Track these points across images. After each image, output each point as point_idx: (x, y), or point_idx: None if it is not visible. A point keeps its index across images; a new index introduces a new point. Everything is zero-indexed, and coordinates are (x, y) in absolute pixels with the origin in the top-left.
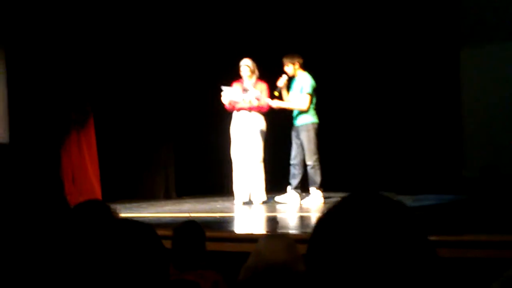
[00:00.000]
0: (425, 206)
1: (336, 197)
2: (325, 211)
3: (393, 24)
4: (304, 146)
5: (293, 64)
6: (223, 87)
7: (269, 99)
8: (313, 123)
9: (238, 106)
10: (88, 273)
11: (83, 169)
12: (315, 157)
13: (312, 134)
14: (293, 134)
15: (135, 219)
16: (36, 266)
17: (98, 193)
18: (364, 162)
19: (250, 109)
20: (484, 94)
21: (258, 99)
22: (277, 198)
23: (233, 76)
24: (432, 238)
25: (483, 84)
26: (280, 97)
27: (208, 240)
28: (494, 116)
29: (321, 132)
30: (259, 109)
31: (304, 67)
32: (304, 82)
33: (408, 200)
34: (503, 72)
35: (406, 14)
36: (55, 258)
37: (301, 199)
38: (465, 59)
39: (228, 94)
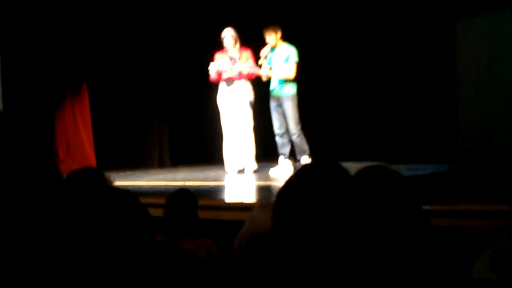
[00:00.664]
0: (419, 176)
1: None
2: (287, 179)
3: None
4: (287, 115)
5: (276, 34)
6: (212, 64)
7: (259, 69)
8: (295, 93)
9: (226, 75)
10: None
11: (77, 136)
12: (299, 126)
13: (295, 103)
14: (274, 103)
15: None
16: (28, 230)
17: (92, 161)
18: (359, 132)
19: (239, 77)
20: (479, 65)
21: (249, 72)
22: (272, 172)
23: (218, 46)
24: (426, 207)
25: (478, 54)
26: (260, 67)
27: (202, 209)
28: (489, 86)
29: (315, 101)
30: (249, 77)
31: (285, 36)
32: (289, 51)
33: (402, 170)
34: (499, 42)
35: None
36: (46, 223)
37: (295, 169)
38: (460, 29)
39: (216, 66)
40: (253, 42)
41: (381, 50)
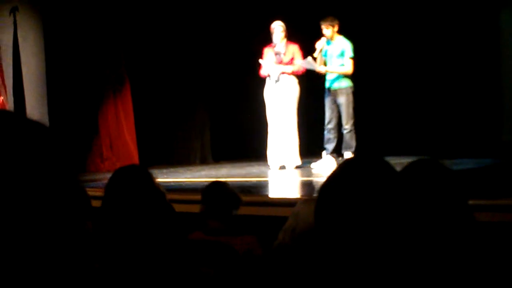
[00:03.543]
0: (463, 170)
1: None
2: (330, 174)
3: None
4: (342, 110)
5: (333, 27)
6: (261, 61)
7: (319, 66)
8: (351, 87)
9: (272, 74)
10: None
11: (121, 134)
12: (352, 121)
13: (351, 97)
14: (329, 98)
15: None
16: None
17: (135, 158)
18: (402, 126)
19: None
20: None
21: (293, 71)
22: (313, 165)
23: (265, 39)
24: (470, 202)
25: None
26: (315, 60)
27: (245, 205)
28: None
29: (357, 96)
30: (295, 73)
31: (340, 30)
32: (345, 45)
33: (446, 164)
34: None
35: None
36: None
37: (337, 164)
38: (505, 20)
39: (267, 67)
40: (301, 36)
41: (427, 45)
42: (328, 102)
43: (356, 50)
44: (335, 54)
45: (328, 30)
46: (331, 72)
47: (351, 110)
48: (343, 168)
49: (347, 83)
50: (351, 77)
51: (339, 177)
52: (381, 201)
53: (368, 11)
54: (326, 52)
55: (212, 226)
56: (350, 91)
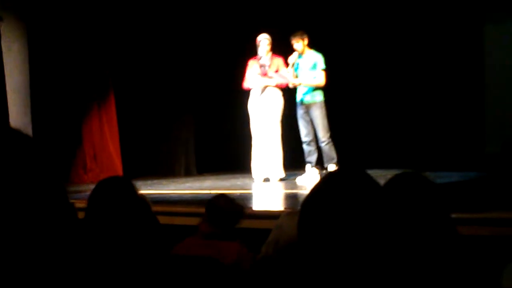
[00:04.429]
0: (446, 183)
1: None
2: (313, 187)
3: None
4: (317, 123)
5: (303, 40)
6: (249, 75)
7: (287, 79)
8: (324, 100)
9: (256, 86)
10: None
11: (105, 146)
12: (328, 133)
13: (324, 111)
14: (301, 111)
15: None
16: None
17: (119, 170)
18: (385, 139)
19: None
20: (507, 70)
21: (277, 84)
22: (299, 180)
23: (250, 50)
24: (453, 215)
25: (506, 60)
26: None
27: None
28: None
29: (341, 109)
30: (279, 86)
31: (313, 44)
32: (317, 58)
33: (429, 177)
34: None
35: None
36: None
37: (321, 176)
38: (488, 35)
39: (251, 80)
40: (284, 50)
41: (409, 56)
42: (301, 115)
43: (338, 62)
44: (307, 67)
45: (298, 44)
46: (304, 85)
47: (326, 122)
48: (325, 182)
49: (320, 96)
50: (324, 89)
51: (322, 190)
52: (363, 214)
53: (350, 20)
54: (297, 66)
55: (206, 230)
56: (323, 104)
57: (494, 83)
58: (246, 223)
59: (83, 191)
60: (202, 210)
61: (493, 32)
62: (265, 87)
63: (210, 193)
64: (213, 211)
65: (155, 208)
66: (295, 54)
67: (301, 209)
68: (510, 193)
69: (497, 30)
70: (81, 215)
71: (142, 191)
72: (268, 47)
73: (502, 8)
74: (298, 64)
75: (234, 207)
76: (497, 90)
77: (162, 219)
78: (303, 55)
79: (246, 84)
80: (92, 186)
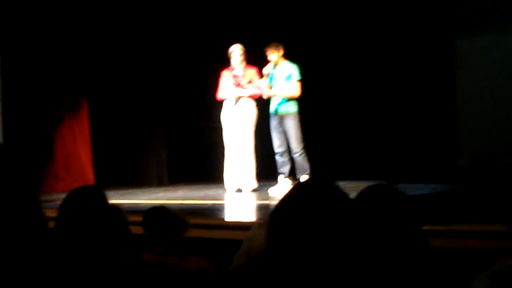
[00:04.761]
0: (418, 195)
1: None
2: (281, 198)
3: (387, 11)
4: (290, 134)
5: (278, 51)
6: (221, 84)
7: (261, 90)
8: (298, 111)
9: (229, 96)
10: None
11: (76, 155)
12: (302, 144)
13: (298, 121)
14: (274, 122)
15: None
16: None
17: (90, 179)
18: (358, 151)
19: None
20: (478, 84)
21: (251, 94)
22: (271, 191)
23: (224, 61)
24: (425, 227)
25: (477, 74)
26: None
27: (201, 228)
28: (489, 106)
29: (315, 120)
30: (252, 97)
31: (287, 55)
32: (291, 69)
33: (402, 190)
34: (499, 61)
35: (400, 1)
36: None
37: None
38: (460, 48)
39: (224, 90)
40: (258, 60)
41: (380, 69)
42: (275, 126)
43: (311, 74)
44: (282, 78)
45: (273, 55)
46: (280, 96)
47: (299, 134)
48: (293, 193)
49: (294, 107)
50: (298, 100)
51: (289, 201)
52: (330, 224)
53: (325, 32)
54: (272, 77)
55: (159, 249)
56: (297, 115)
57: (466, 96)
58: (218, 234)
59: (54, 200)
60: None
61: (464, 45)
62: (239, 97)
63: (182, 203)
64: (151, 224)
65: (128, 218)
66: (270, 65)
67: (270, 219)
68: (480, 206)
69: (468, 43)
70: (51, 224)
71: (114, 201)
72: (241, 58)
73: (473, 22)
74: (273, 74)
75: (174, 220)
76: (469, 103)
77: (134, 229)
78: (278, 66)
79: (219, 95)
80: (63, 196)
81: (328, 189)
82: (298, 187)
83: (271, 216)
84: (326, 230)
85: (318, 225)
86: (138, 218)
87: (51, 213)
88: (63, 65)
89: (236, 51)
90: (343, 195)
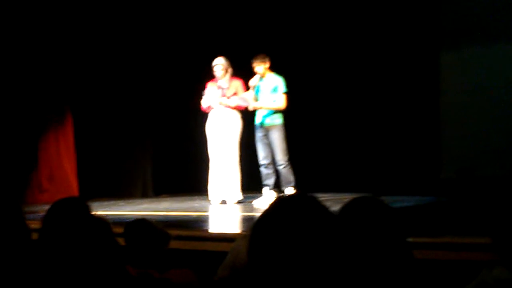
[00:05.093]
0: (402, 208)
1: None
2: (262, 213)
3: (372, 25)
4: (275, 146)
5: (264, 63)
6: (204, 96)
7: (247, 102)
8: (283, 123)
9: (215, 108)
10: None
11: (61, 166)
12: (287, 156)
13: (283, 133)
14: (259, 134)
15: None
16: None
17: (75, 191)
18: (343, 163)
19: (227, 107)
20: (463, 97)
21: (236, 105)
22: (256, 203)
23: (209, 73)
24: (409, 239)
25: (461, 87)
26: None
27: (185, 239)
28: (472, 119)
29: (300, 132)
30: (237, 108)
31: (273, 67)
32: (277, 81)
33: (386, 202)
34: (482, 74)
35: (385, 15)
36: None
37: None
38: (444, 61)
39: (208, 99)
40: (245, 72)
41: (365, 82)
42: (260, 138)
43: (296, 86)
44: (268, 90)
45: (260, 67)
46: (266, 108)
47: (284, 146)
48: (274, 207)
49: (279, 119)
50: (283, 112)
51: (270, 215)
52: (310, 238)
53: (309, 45)
54: (258, 89)
55: (142, 260)
56: (282, 127)
57: (450, 108)
58: (202, 246)
59: (37, 211)
60: None
61: (448, 58)
62: (224, 109)
63: (167, 214)
64: (132, 237)
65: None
66: (256, 77)
67: (251, 234)
68: (464, 218)
69: (452, 56)
70: (35, 236)
71: (98, 212)
72: (222, 72)
73: (457, 34)
74: (259, 86)
75: (154, 231)
76: (453, 115)
77: (118, 241)
78: (264, 78)
79: (204, 106)
80: (47, 207)
81: (309, 203)
82: (279, 201)
83: (252, 231)
84: (307, 243)
85: (299, 239)
86: (120, 230)
87: (34, 225)
88: (48, 77)
89: (217, 66)
90: (324, 209)
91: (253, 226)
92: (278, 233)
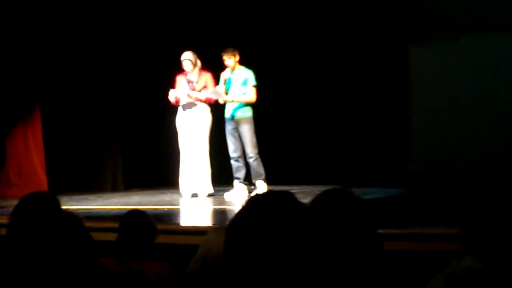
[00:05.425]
0: (372, 200)
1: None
2: (237, 211)
3: (341, 18)
4: (245, 139)
5: (234, 56)
6: (171, 90)
7: (216, 95)
8: (252, 116)
9: (184, 100)
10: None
11: (29, 161)
12: (256, 149)
13: (253, 126)
14: (229, 127)
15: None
16: None
17: (44, 185)
18: (311, 155)
19: (198, 100)
20: (431, 89)
21: (206, 98)
22: (227, 196)
23: (178, 67)
24: (379, 231)
25: (431, 79)
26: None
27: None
28: (441, 111)
29: (269, 125)
30: (207, 101)
31: (241, 60)
32: (247, 74)
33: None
34: (451, 67)
35: (355, 9)
36: None
37: (249, 192)
38: (414, 54)
39: (175, 93)
40: (215, 65)
41: (334, 75)
42: (230, 131)
43: (265, 79)
44: (238, 83)
45: (230, 60)
46: (237, 102)
47: (254, 139)
48: (249, 204)
49: (249, 112)
50: (253, 105)
51: (246, 212)
52: (287, 235)
53: (278, 38)
54: (229, 82)
55: (124, 250)
56: (251, 120)
57: (419, 101)
58: (173, 239)
59: (6, 206)
60: None
61: (418, 51)
62: (193, 102)
63: (138, 208)
64: (127, 228)
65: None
66: (227, 71)
67: (227, 233)
68: (433, 209)
69: (422, 49)
70: (3, 231)
71: (68, 207)
72: (191, 67)
73: (427, 29)
74: (230, 79)
75: (148, 223)
76: (422, 108)
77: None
78: (234, 71)
79: (172, 99)
80: (15, 202)
81: (285, 200)
82: (254, 199)
83: (228, 230)
84: (283, 239)
85: (275, 235)
86: (92, 224)
87: (3, 220)
88: (16, 72)
89: (185, 61)
90: (301, 205)
91: (229, 225)
92: (254, 231)
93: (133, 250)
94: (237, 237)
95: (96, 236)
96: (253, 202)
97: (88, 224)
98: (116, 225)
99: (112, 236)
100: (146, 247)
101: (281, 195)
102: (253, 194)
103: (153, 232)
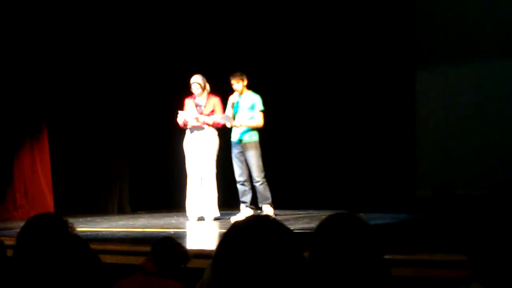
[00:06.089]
0: (379, 225)
1: (286, 214)
2: (228, 230)
3: (348, 43)
4: (251, 163)
5: (242, 81)
6: (180, 112)
7: (224, 120)
8: (259, 140)
9: (192, 124)
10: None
11: (36, 182)
12: (263, 173)
13: (259, 151)
14: (236, 151)
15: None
16: None
17: (50, 207)
18: (319, 181)
19: (205, 123)
20: (438, 115)
21: (214, 122)
22: (233, 220)
23: (186, 90)
24: (387, 256)
25: (437, 105)
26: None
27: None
28: (448, 136)
29: (276, 150)
30: (214, 125)
31: (249, 85)
32: (255, 99)
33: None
34: (458, 92)
35: (362, 33)
36: None
37: None
38: (421, 79)
39: (183, 116)
40: (223, 89)
41: (342, 100)
42: (236, 155)
43: (273, 103)
44: (246, 107)
45: (238, 84)
46: (244, 126)
47: (260, 163)
48: (229, 233)
49: (256, 136)
50: (260, 130)
51: (227, 241)
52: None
53: (286, 63)
54: (236, 106)
55: (149, 269)
56: (258, 144)
57: (425, 127)
58: None
59: (12, 228)
60: (136, 248)
61: (425, 76)
62: (201, 126)
63: (144, 231)
64: (158, 253)
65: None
66: (235, 94)
67: (213, 264)
68: (440, 236)
69: (429, 74)
70: (10, 253)
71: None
72: (200, 90)
73: (433, 53)
74: (237, 103)
75: (179, 251)
76: (428, 134)
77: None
78: (242, 96)
79: (180, 122)
80: (22, 223)
81: (268, 224)
82: (234, 227)
83: (213, 261)
84: (267, 263)
85: (259, 260)
86: (98, 246)
87: (9, 241)
88: (24, 92)
89: (193, 85)
90: (285, 229)
91: (214, 256)
92: (237, 257)
93: (160, 271)
94: (222, 265)
95: (106, 259)
96: (234, 229)
97: (96, 246)
98: (121, 247)
99: (118, 259)
100: (174, 270)
101: (261, 220)
102: (233, 219)
103: (185, 258)
